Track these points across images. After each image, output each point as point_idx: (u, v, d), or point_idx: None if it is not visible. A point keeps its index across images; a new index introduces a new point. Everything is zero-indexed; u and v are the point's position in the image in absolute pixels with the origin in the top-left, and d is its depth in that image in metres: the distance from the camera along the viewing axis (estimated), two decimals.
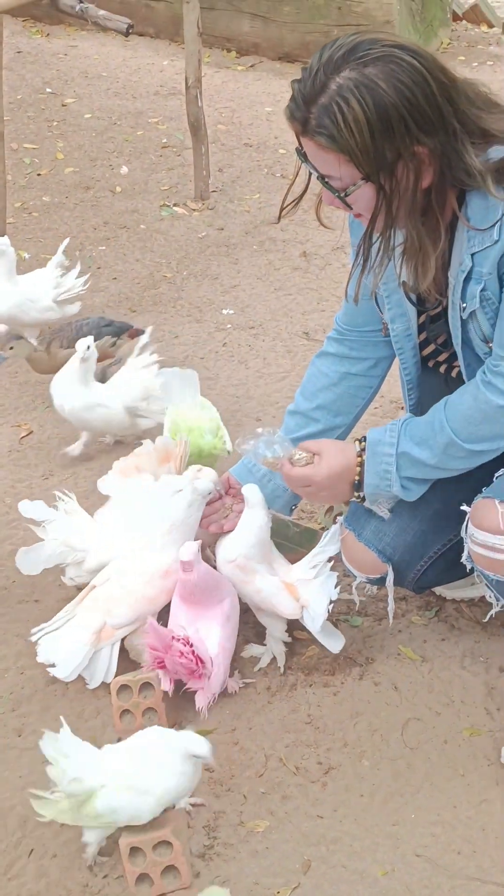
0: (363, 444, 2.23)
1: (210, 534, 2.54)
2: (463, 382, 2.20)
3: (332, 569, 2.46)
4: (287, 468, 2.26)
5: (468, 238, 2.00)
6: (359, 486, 2.25)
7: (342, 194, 1.94)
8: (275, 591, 2.43)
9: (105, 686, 2.46)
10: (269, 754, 2.33)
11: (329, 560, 2.44)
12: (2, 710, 2.46)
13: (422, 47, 1.88)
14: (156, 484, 2.63)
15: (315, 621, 2.39)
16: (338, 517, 2.74)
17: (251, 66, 6.99)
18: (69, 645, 2.47)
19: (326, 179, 1.94)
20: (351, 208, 1.99)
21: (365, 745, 2.34)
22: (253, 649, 2.56)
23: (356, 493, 2.27)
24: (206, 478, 2.50)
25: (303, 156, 1.96)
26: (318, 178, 1.97)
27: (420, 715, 2.41)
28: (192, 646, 2.31)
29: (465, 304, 2.06)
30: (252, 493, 2.44)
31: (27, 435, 3.46)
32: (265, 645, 2.54)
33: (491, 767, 2.28)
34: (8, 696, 2.49)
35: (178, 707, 2.42)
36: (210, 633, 2.36)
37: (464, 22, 7.68)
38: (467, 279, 2.03)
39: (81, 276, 3.83)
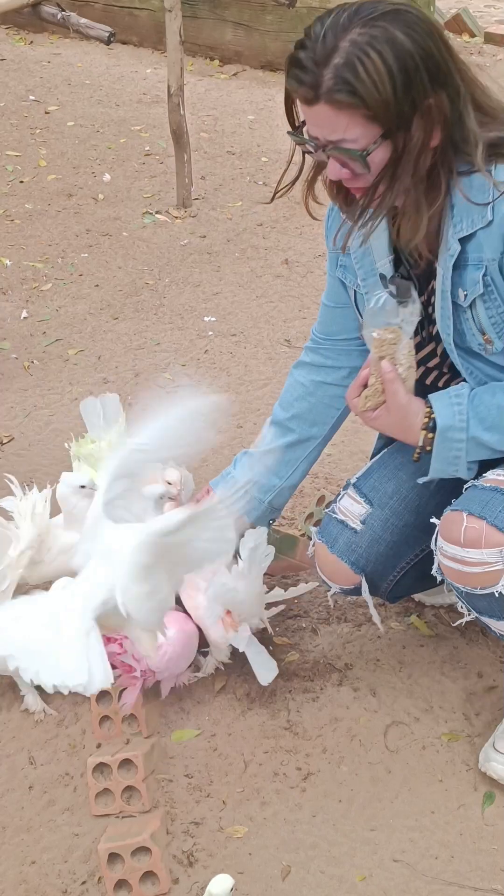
0: (431, 433, 2.07)
1: None
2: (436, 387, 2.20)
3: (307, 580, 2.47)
4: (351, 396, 2.14)
5: (453, 224, 1.97)
6: (420, 456, 2.12)
7: (363, 153, 1.86)
8: (211, 616, 2.43)
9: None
10: (249, 760, 2.33)
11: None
12: None
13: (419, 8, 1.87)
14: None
15: (239, 644, 2.41)
16: (317, 524, 2.75)
17: (234, 75, 7.01)
18: None
19: (338, 145, 1.87)
20: (369, 169, 1.89)
21: (344, 751, 2.35)
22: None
23: (417, 452, 2.14)
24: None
25: (297, 135, 1.92)
26: (325, 151, 1.89)
27: (399, 720, 2.42)
28: (123, 649, 2.35)
29: (465, 292, 2.02)
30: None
31: (8, 441, 3.46)
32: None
33: (469, 773, 2.30)
34: None
35: (159, 713, 2.42)
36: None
37: (446, 32, 7.72)
38: (458, 266, 2.00)
39: None
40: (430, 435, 2.07)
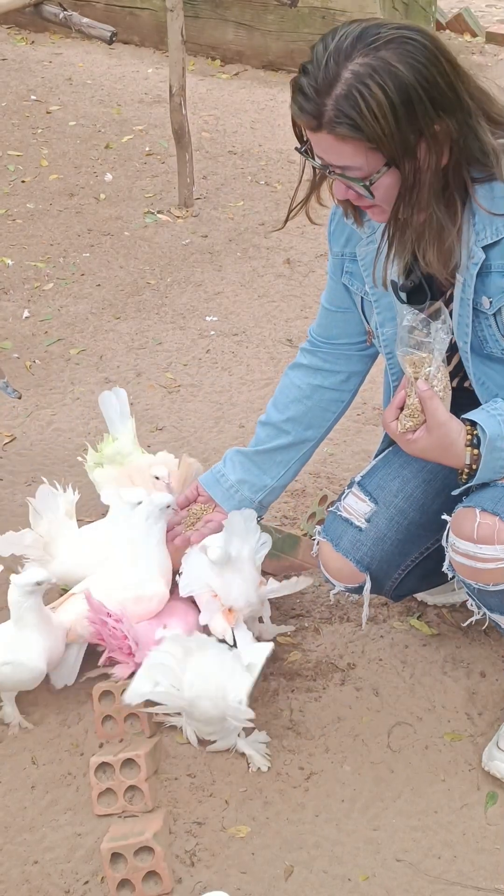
0: (476, 449, 2.01)
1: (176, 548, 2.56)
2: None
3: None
4: (388, 419, 2.07)
5: (476, 231, 1.96)
6: (469, 477, 2.07)
7: (367, 183, 1.87)
8: (212, 609, 2.44)
9: (87, 692, 2.46)
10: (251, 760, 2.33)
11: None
12: None
13: (424, 28, 1.85)
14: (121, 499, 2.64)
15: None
16: (320, 523, 2.74)
17: (235, 75, 7.00)
18: None
19: (343, 172, 1.88)
20: (373, 196, 1.91)
21: (346, 751, 2.35)
22: None
23: (461, 475, 2.08)
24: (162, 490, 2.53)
25: (306, 153, 1.91)
26: (330, 173, 1.91)
27: (401, 720, 2.41)
28: (121, 622, 2.39)
29: (490, 299, 2.01)
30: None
31: (10, 441, 3.46)
32: None
33: (472, 772, 2.29)
34: None
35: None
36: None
37: (447, 31, 7.71)
38: (485, 273, 1.99)
39: None
40: (476, 451, 2.00)
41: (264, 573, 2.69)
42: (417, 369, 1.99)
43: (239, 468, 2.53)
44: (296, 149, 1.94)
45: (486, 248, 1.97)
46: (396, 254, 1.99)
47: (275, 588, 2.52)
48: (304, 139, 1.92)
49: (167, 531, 2.54)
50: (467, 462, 2.01)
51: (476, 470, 2.02)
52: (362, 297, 2.25)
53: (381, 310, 2.22)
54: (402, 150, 1.82)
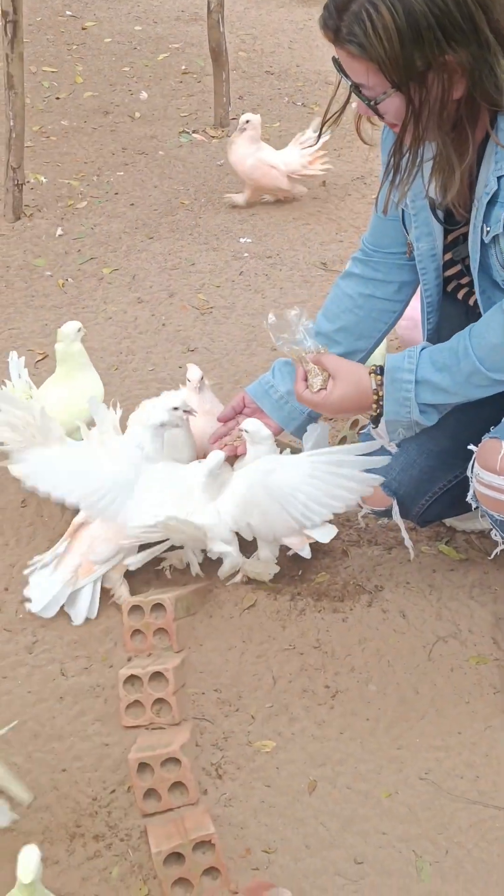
0: (379, 376, 2.17)
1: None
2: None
3: None
4: (300, 391, 2.24)
5: (496, 161, 1.96)
6: (376, 420, 2.22)
7: (372, 103, 1.90)
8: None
9: (116, 607, 2.49)
10: (278, 676, 2.35)
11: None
12: (15, 628, 2.49)
13: None
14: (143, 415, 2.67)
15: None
16: (361, 431, 2.75)
17: None
18: (46, 582, 2.52)
19: (358, 88, 1.91)
20: (383, 118, 1.96)
21: (372, 671, 2.37)
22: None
23: (369, 415, 2.23)
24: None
25: (337, 64, 1.92)
26: (350, 86, 1.93)
27: (427, 642, 2.43)
28: None
29: (488, 228, 2.02)
30: (256, 428, 2.45)
31: (42, 359, 3.47)
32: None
33: (496, 696, 2.31)
34: (18, 618, 2.52)
35: (191, 628, 2.45)
36: None
37: None
38: (492, 202, 1.99)
39: None
40: (380, 378, 2.15)
41: None
42: (299, 353, 2.24)
43: (288, 379, 2.52)
44: (332, 58, 1.95)
45: (500, 179, 1.96)
46: (400, 183, 2.02)
47: None
48: None
49: (213, 442, 2.57)
50: (374, 387, 2.17)
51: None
52: (403, 210, 2.24)
53: (418, 224, 2.21)
54: (407, 75, 1.84)
